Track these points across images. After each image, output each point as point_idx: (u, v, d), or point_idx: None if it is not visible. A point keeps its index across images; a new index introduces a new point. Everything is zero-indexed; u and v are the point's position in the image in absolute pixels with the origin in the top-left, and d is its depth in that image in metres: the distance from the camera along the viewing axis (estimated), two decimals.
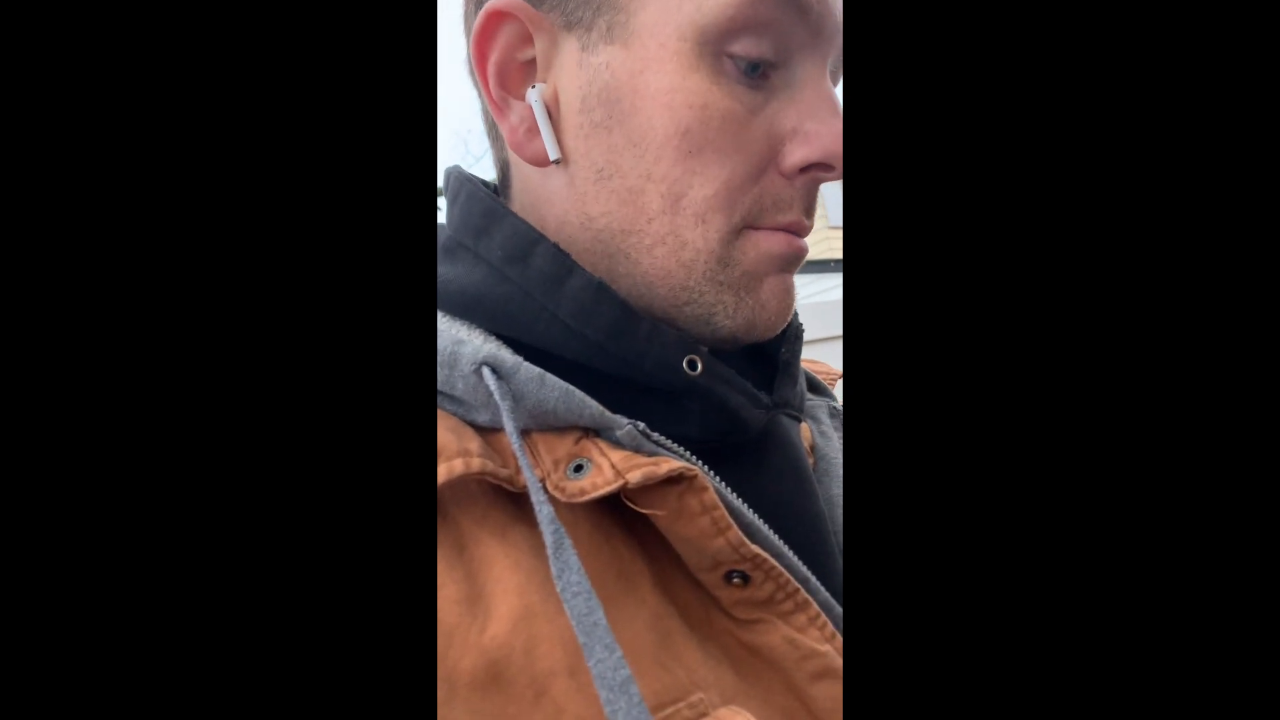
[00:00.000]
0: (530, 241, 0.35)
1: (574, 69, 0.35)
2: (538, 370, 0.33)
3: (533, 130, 0.36)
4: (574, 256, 0.36)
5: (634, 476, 0.30)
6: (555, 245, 0.35)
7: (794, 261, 0.36)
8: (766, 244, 0.35)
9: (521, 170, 0.38)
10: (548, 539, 0.29)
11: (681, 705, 0.30)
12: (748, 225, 0.35)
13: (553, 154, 0.35)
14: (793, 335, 0.42)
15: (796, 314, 0.41)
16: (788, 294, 0.37)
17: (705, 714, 0.30)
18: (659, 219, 0.34)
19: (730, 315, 0.35)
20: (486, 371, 0.32)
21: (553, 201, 0.37)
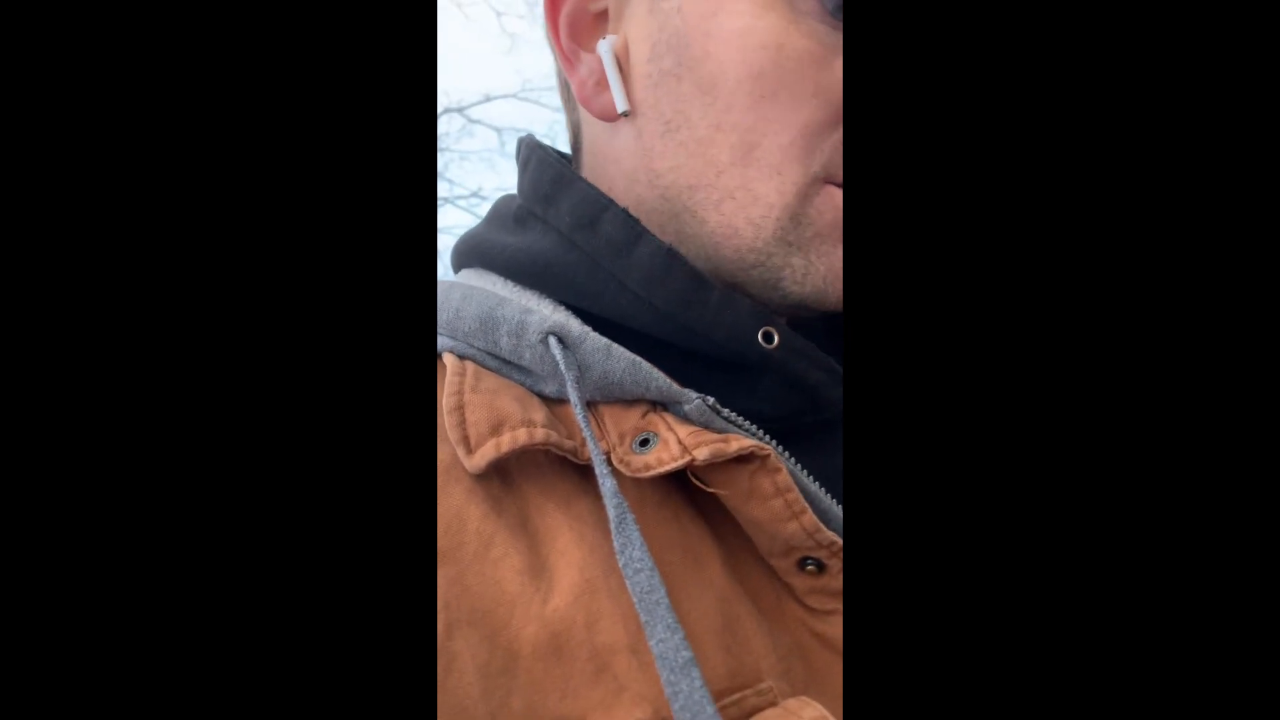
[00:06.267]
0: (599, 207, 0.34)
1: (644, 16, 0.33)
2: (604, 341, 0.32)
3: (601, 83, 0.34)
4: (643, 218, 0.34)
5: (701, 453, 0.29)
6: (624, 210, 0.34)
7: None
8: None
9: (591, 129, 0.37)
10: (611, 513, 0.28)
11: (749, 692, 0.28)
12: (827, 178, 0.32)
13: (620, 105, 0.34)
14: None
15: None
16: None
17: (774, 703, 0.28)
18: (729, 171, 0.32)
19: (799, 281, 0.33)
20: (553, 341, 0.31)
21: (620, 159, 0.35)
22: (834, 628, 0.31)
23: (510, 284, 0.36)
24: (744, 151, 0.32)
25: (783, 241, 0.33)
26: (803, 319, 0.36)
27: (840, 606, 0.32)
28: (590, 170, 0.38)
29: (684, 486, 0.32)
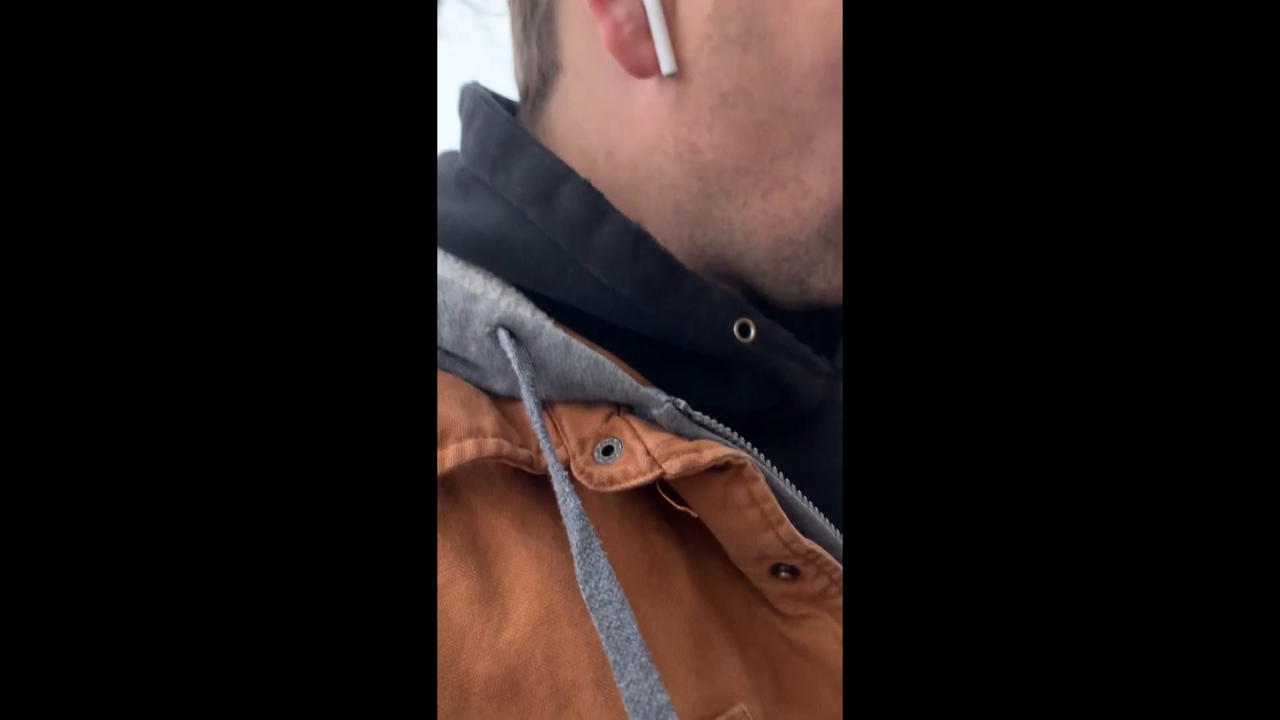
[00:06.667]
0: (556, 177, 0.30)
1: None
2: (562, 336, 0.28)
3: (641, 32, 0.29)
4: (658, 192, 0.31)
5: (672, 466, 0.26)
6: (586, 183, 0.30)
7: None
8: None
9: (584, 80, 0.31)
10: (573, 538, 0.25)
11: (722, 719, 0.26)
12: None
13: (667, 66, 0.29)
14: None
15: None
16: None
17: None
18: (783, 160, 0.29)
19: (827, 277, 0.32)
20: (503, 335, 0.27)
21: (638, 122, 0.30)
22: (806, 633, 0.30)
23: (451, 260, 0.31)
24: (802, 140, 0.29)
25: (823, 238, 0.31)
26: (783, 310, 0.33)
27: (815, 611, 0.30)
28: (571, 125, 0.32)
29: (648, 491, 0.29)
